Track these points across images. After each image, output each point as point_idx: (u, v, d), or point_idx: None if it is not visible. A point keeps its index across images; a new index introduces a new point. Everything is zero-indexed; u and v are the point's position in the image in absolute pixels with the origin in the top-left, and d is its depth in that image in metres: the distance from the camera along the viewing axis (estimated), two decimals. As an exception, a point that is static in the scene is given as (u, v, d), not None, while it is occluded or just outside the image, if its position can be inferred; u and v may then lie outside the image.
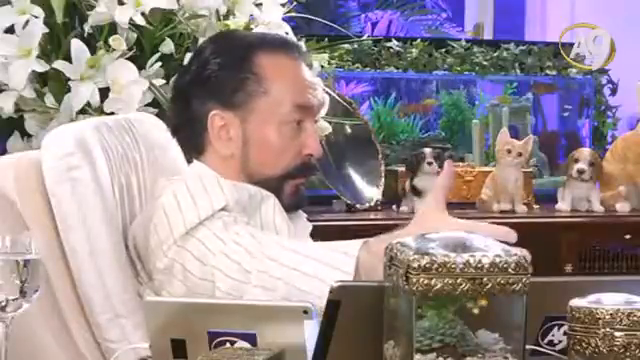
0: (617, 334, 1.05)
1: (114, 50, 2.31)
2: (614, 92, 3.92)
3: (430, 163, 3.30)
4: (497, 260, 1.03)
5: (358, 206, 3.34)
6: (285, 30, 2.53)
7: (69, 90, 2.29)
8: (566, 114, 4.04)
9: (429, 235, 1.09)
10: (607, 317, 1.05)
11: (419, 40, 3.74)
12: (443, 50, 3.76)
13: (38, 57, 2.27)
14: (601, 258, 3.37)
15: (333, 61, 3.41)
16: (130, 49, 2.34)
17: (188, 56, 2.21)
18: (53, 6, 2.33)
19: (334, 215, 3.28)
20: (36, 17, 2.29)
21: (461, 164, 3.68)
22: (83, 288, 1.76)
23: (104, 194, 1.80)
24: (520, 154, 3.35)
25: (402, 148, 3.79)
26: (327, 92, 2.66)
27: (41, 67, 2.28)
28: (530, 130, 3.88)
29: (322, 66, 2.72)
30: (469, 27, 4.38)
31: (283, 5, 2.58)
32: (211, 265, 1.67)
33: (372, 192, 3.40)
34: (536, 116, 4.05)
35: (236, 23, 2.46)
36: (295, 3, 2.64)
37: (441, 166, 3.32)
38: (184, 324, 1.23)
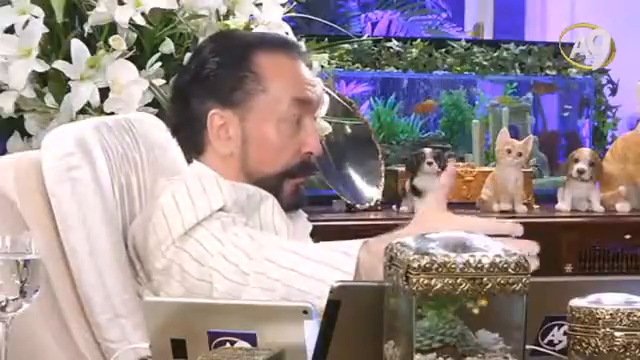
0: (617, 334, 1.05)
1: (114, 50, 2.31)
2: (614, 92, 3.92)
3: (430, 163, 3.30)
4: (497, 260, 1.03)
5: (358, 206, 3.34)
6: (285, 30, 2.53)
7: (69, 90, 2.29)
8: (566, 114, 4.04)
9: (429, 235, 1.09)
10: (607, 317, 1.05)
11: (419, 40, 3.74)
12: (443, 50, 3.76)
13: (38, 57, 2.27)
14: (601, 258, 3.37)
15: (333, 61, 3.41)
16: (130, 49, 2.34)
17: (188, 56, 2.21)
18: (53, 6, 2.33)
19: (334, 215, 3.28)
20: (36, 17, 2.29)
21: (461, 164, 3.68)
22: (83, 288, 1.76)
23: (104, 194, 1.80)
24: (520, 154, 3.35)
25: (402, 148, 3.80)
26: (327, 92, 2.67)
27: (41, 67, 2.28)
28: (530, 130, 3.88)
29: (322, 66, 2.72)
30: (469, 27, 4.38)
31: (283, 5, 2.58)
32: (209, 266, 1.67)
33: (372, 192, 3.40)
34: (536, 116, 4.05)
35: (236, 23, 2.46)
36: (295, 3, 2.64)
37: (441, 166, 3.32)
38: (184, 324, 1.23)
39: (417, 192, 3.31)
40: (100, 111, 2.29)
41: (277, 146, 1.82)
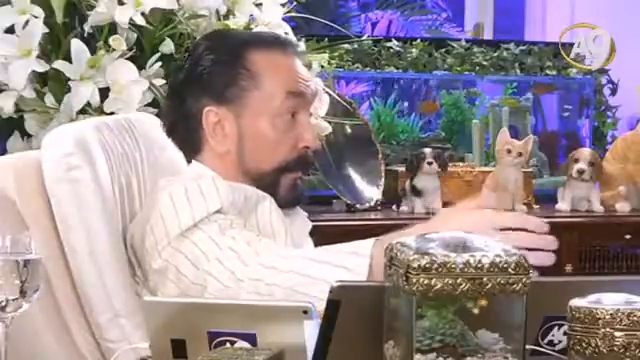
0: (617, 334, 1.05)
1: (114, 50, 2.31)
2: (614, 92, 3.92)
3: (430, 163, 3.30)
4: (497, 260, 1.03)
5: (358, 206, 3.34)
6: (285, 30, 2.53)
7: (69, 90, 2.29)
8: (566, 114, 4.05)
9: (429, 235, 1.09)
10: (607, 317, 1.05)
11: (419, 40, 3.74)
12: (443, 50, 3.77)
13: (38, 57, 2.27)
14: (601, 258, 3.37)
15: (333, 61, 3.41)
16: (130, 49, 2.34)
17: (188, 56, 2.21)
18: (53, 6, 2.34)
19: (334, 215, 3.28)
20: (36, 17, 2.29)
21: (461, 164, 3.68)
22: (83, 288, 1.76)
23: (104, 194, 1.80)
24: (520, 154, 3.35)
25: (402, 148, 3.80)
26: (327, 92, 2.67)
27: (41, 67, 2.28)
28: (530, 130, 3.88)
29: (322, 66, 2.72)
30: (469, 27, 4.38)
31: (283, 5, 2.58)
32: (204, 270, 1.67)
33: (372, 192, 3.40)
34: (536, 116, 4.05)
35: (236, 23, 2.46)
36: (295, 3, 2.64)
37: (441, 166, 3.32)
38: (184, 324, 1.23)
39: (417, 192, 3.31)
40: (100, 111, 2.29)
41: (273, 142, 1.83)
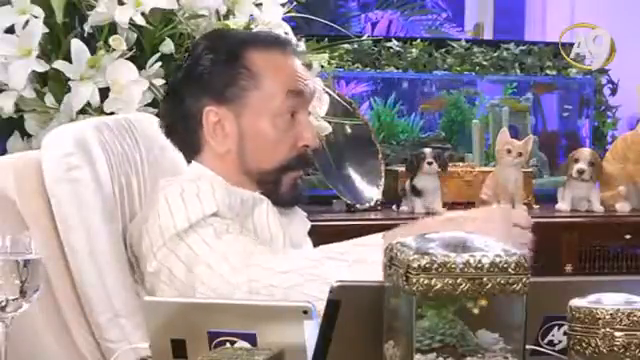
0: (617, 334, 1.05)
1: (114, 50, 2.31)
2: (614, 92, 3.92)
3: (430, 163, 3.30)
4: (497, 260, 1.03)
5: (358, 206, 3.34)
6: (285, 30, 2.53)
7: (69, 90, 2.29)
8: (566, 114, 4.04)
9: (429, 235, 1.09)
10: (607, 317, 1.05)
11: (419, 40, 3.74)
12: (443, 50, 3.77)
13: (38, 57, 2.27)
14: (601, 258, 3.37)
15: (333, 61, 3.41)
16: (130, 49, 2.34)
17: (188, 56, 2.21)
18: (53, 6, 2.34)
19: (334, 215, 3.28)
20: (36, 17, 2.29)
21: (461, 164, 3.68)
22: (83, 288, 1.76)
23: (104, 194, 1.80)
24: (520, 154, 3.35)
25: (402, 148, 3.79)
26: (327, 92, 2.67)
27: (41, 67, 2.28)
28: (530, 130, 3.88)
29: (322, 66, 2.72)
30: (469, 27, 4.38)
31: (283, 5, 2.58)
32: (196, 273, 1.67)
33: (372, 192, 3.40)
34: (536, 116, 4.05)
35: (236, 23, 2.46)
36: (295, 3, 2.64)
37: (441, 166, 3.32)
38: (184, 324, 1.23)
39: (417, 192, 3.31)
40: (100, 111, 2.29)
41: (273, 141, 1.83)
